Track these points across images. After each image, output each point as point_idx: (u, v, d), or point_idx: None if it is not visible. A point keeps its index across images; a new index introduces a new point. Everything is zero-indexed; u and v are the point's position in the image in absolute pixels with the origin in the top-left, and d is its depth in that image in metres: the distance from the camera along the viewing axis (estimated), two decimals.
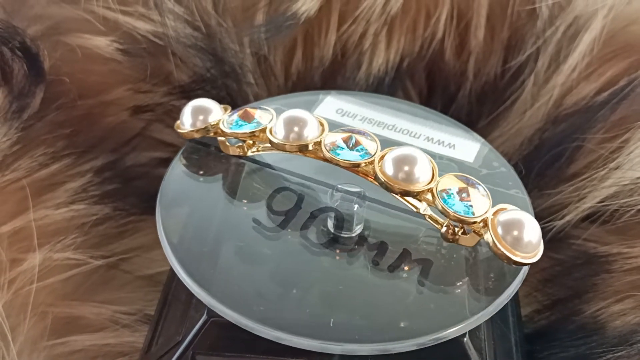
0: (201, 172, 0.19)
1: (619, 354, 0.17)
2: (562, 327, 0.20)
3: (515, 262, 0.15)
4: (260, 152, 0.19)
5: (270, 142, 0.18)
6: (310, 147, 0.17)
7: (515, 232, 0.15)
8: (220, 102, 0.24)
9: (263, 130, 0.18)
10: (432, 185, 0.16)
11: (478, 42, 0.23)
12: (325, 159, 0.17)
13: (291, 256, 0.16)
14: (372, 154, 0.17)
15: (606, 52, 0.22)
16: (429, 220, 0.17)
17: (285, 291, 0.16)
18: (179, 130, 0.19)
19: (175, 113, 0.24)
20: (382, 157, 0.17)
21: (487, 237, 0.16)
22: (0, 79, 0.20)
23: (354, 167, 0.17)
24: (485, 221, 0.16)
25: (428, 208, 0.17)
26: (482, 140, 0.20)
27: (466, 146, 0.20)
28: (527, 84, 0.23)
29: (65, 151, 0.21)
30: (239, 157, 0.19)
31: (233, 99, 0.24)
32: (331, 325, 0.15)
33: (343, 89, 0.24)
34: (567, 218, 0.20)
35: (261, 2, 0.23)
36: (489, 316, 0.15)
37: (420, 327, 0.15)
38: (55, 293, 0.20)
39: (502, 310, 0.18)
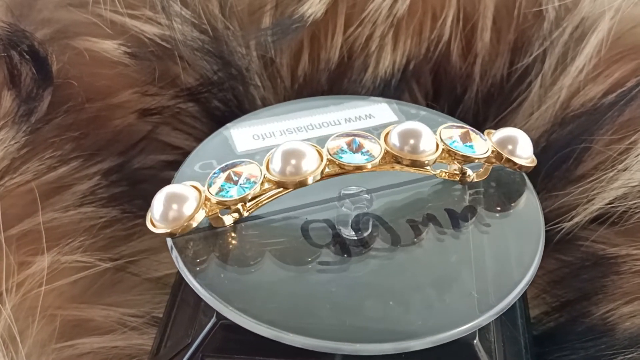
0: (204, 262, 0.16)
1: (630, 356, 0.17)
2: (571, 329, 0.20)
3: (521, 167, 0.18)
4: (263, 203, 0.17)
5: (275, 182, 0.16)
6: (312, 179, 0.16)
7: (510, 146, 0.18)
8: (227, 104, 0.24)
9: (262, 184, 0.16)
10: (438, 153, 0.17)
11: (484, 44, 0.23)
12: (332, 162, 0.17)
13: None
14: (376, 156, 0.17)
15: (613, 54, 0.21)
16: (444, 175, 0.18)
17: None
18: (154, 230, 0.16)
19: (183, 116, 0.24)
20: (387, 134, 0.17)
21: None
22: (9, 82, 0.20)
23: (358, 170, 0.17)
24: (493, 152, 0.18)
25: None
26: (384, 99, 0.21)
27: (380, 110, 0.21)
28: (534, 86, 0.23)
29: (73, 154, 0.21)
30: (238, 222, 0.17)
31: (239, 102, 0.24)
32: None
33: (350, 91, 0.24)
34: (576, 220, 0.20)
35: (268, 4, 0.23)
36: (499, 314, 0.15)
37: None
38: (63, 296, 0.20)
39: (511, 312, 0.18)
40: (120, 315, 0.21)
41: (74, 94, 0.21)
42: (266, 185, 0.16)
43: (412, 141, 0.17)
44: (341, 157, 0.17)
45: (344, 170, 0.17)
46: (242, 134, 0.20)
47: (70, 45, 0.21)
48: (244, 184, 0.16)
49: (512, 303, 0.16)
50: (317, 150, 0.17)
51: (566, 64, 0.22)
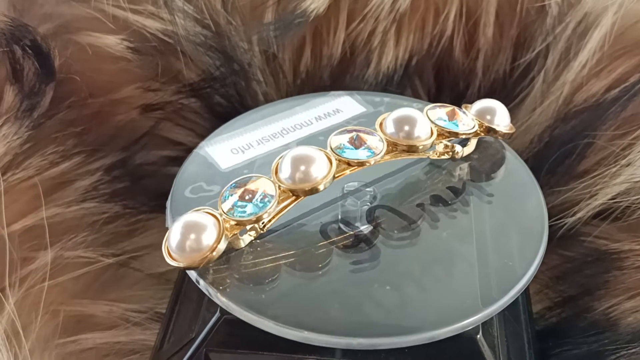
0: (227, 285, 0.16)
1: (632, 350, 0.17)
2: (574, 324, 0.20)
3: (502, 134, 0.19)
4: (279, 216, 0.16)
5: (290, 192, 0.16)
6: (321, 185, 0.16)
7: (489, 117, 0.19)
8: (229, 100, 0.24)
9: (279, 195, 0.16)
10: (433, 137, 0.18)
11: (487, 40, 0.23)
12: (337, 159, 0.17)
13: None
14: (378, 151, 0.17)
15: (616, 49, 0.21)
16: (436, 156, 0.18)
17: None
18: (173, 263, 0.15)
19: (185, 111, 0.24)
20: (382, 122, 0.18)
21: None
22: (11, 77, 0.20)
23: (362, 166, 0.17)
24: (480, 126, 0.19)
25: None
26: (344, 92, 0.21)
27: (345, 103, 0.21)
28: (536, 82, 0.23)
29: (75, 149, 0.21)
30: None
31: (242, 97, 0.24)
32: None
33: (352, 87, 0.24)
34: (578, 215, 0.20)
35: (270, 0, 0.23)
36: (502, 308, 0.15)
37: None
38: (66, 291, 0.21)
39: (514, 308, 0.18)
40: (123, 310, 0.21)
41: (76, 89, 0.21)
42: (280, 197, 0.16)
43: (406, 127, 0.17)
44: (344, 153, 0.17)
45: (349, 167, 0.17)
46: (219, 151, 0.19)
47: (73, 40, 0.21)
48: (259, 200, 0.16)
49: (515, 297, 0.16)
50: (325, 154, 0.16)
51: (569, 60, 0.22)
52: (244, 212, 0.15)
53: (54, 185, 0.21)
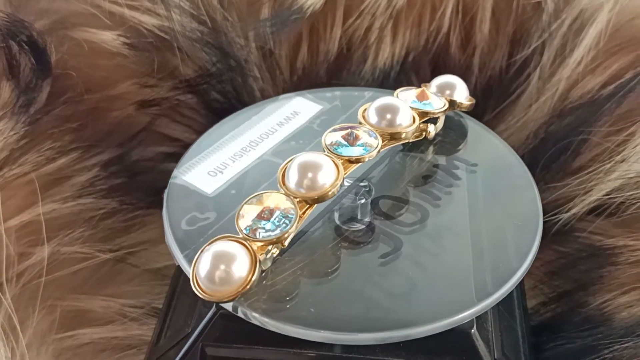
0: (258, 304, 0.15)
1: (626, 345, 0.18)
2: (568, 319, 0.20)
3: (464, 106, 0.20)
4: (299, 229, 0.16)
5: (307, 201, 0.15)
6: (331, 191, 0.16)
7: (448, 91, 0.20)
8: (225, 96, 0.24)
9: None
10: (416, 124, 0.18)
11: (483, 36, 0.23)
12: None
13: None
14: (374, 147, 0.17)
15: (612, 46, 0.22)
16: (413, 138, 0.18)
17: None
18: (205, 297, 0.15)
19: (182, 107, 0.24)
20: (364, 112, 0.18)
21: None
22: (8, 73, 0.20)
23: (358, 162, 0.17)
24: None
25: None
26: (294, 93, 0.21)
27: (300, 104, 0.21)
28: (532, 78, 0.23)
29: (72, 145, 0.21)
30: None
31: (238, 93, 0.24)
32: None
33: (349, 83, 0.24)
34: (573, 211, 0.20)
35: None
36: (497, 302, 0.16)
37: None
38: (63, 287, 0.21)
39: (509, 302, 0.18)
40: (120, 306, 0.21)
41: (73, 85, 0.21)
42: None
43: (389, 116, 0.18)
44: (340, 151, 0.17)
45: (350, 165, 0.17)
46: (197, 176, 0.18)
47: (69, 36, 0.21)
48: (280, 216, 0.15)
49: (510, 291, 0.16)
50: (332, 160, 0.16)
51: (565, 56, 0.22)
52: (268, 231, 0.15)
53: (51, 181, 0.21)
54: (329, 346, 0.15)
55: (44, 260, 0.20)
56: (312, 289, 0.16)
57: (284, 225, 0.15)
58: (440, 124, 0.20)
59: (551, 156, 0.21)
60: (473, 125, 0.20)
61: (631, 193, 0.19)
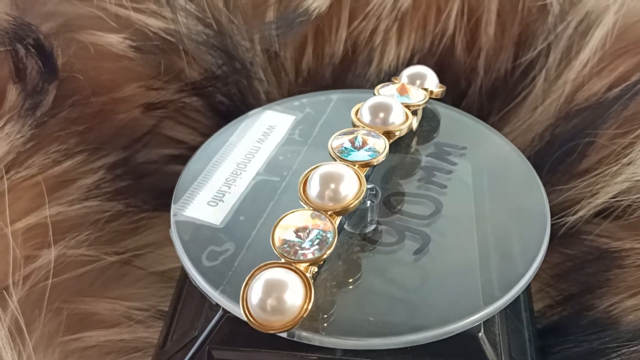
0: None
1: (634, 348, 0.17)
2: (575, 322, 0.20)
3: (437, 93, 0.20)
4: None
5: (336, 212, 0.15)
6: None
7: (419, 81, 0.20)
8: (231, 98, 0.24)
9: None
10: (409, 121, 0.18)
11: (489, 38, 0.23)
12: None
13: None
14: (381, 151, 0.17)
15: (618, 48, 0.21)
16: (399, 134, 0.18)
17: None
18: (258, 328, 0.14)
19: (187, 110, 0.24)
20: (357, 112, 0.18)
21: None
22: (14, 76, 0.20)
23: (366, 166, 0.17)
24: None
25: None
26: (262, 108, 0.21)
27: (272, 117, 0.20)
28: (538, 80, 0.23)
29: (78, 148, 0.21)
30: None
31: (244, 96, 0.24)
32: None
33: (354, 85, 0.24)
34: (580, 214, 0.20)
35: None
36: (504, 306, 0.15)
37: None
38: (69, 289, 0.21)
39: (515, 306, 0.18)
40: (126, 308, 0.21)
41: (79, 88, 0.21)
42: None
43: (382, 114, 0.18)
44: (349, 156, 0.17)
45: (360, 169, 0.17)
46: (198, 210, 0.18)
47: (75, 39, 0.21)
48: (317, 234, 0.15)
49: (517, 295, 0.16)
50: (354, 171, 0.16)
51: (570, 58, 0.22)
52: (306, 250, 0.15)
53: (57, 183, 0.21)
54: (335, 350, 0.15)
55: (51, 262, 0.20)
56: (341, 297, 0.15)
57: (321, 241, 0.15)
58: (419, 116, 0.20)
59: (557, 158, 0.21)
60: (512, 154, 0.19)
61: (638, 196, 0.19)
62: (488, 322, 0.16)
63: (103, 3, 0.21)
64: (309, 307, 0.14)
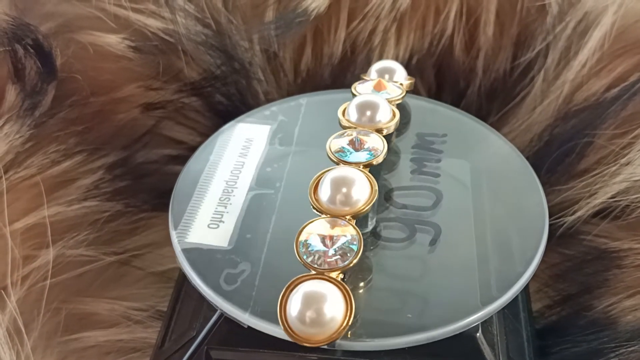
0: None
1: (632, 348, 0.17)
2: (573, 322, 0.20)
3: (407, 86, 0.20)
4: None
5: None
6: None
7: (387, 75, 0.20)
8: (230, 98, 0.24)
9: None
10: (396, 118, 0.18)
11: (487, 39, 0.23)
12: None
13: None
14: (379, 152, 0.17)
15: (616, 48, 0.21)
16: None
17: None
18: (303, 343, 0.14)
19: (186, 110, 0.24)
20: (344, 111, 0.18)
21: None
22: (13, 76, 0.20)
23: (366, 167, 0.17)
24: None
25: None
26: (233, 121, 0.20)
27: (248, 130, 0.20)
28: (536, 80, 0.23)
29: (77, 148, 0.21)
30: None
31: (243, 96, 0.24)
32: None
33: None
34: (578, 214, 0.20)
35: None
36: (502, 307, 0.15)
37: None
38: (68, 289, 0.21)
39: (514, 306, 0.18)
40: (125, 308, 0.21)
41: (78, 88, 0.21)
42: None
43: (369, 112, 0.18)
44: (347, 157, 0.17)
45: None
46: (200, 234, 0.17)
47: (74, 39, 0.21)
48: (341, 244, 0.15)
49: (515, 296, 0.16)
50: (366, 175, 0.16)
51: (569, 59, 0.22)
52: (332, 258, 0.15)
53: (56, 183, 0.21)
54: (334, 350, 0.15)
55: (49, 263, 0.20)
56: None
57: (346, 247, 0.15)
58: (398, 112, 0.20)
59: (556, 159, 0.21)
60: (511, 154, 0.19)
61: (636, 196, 0.19)
62: (486, 322, 0.16)
63: (102, 3, 0.21)
64: (352, 317, 0.14)
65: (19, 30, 0.20)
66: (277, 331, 0.15)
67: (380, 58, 0.24)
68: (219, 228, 0.17)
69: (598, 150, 0.21)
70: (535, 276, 0.17)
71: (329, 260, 0.14)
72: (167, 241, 0.18)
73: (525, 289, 0.20)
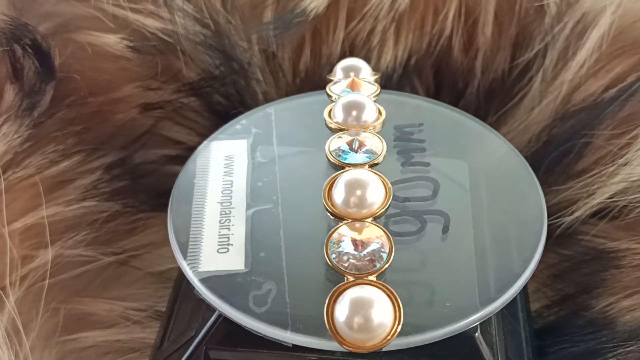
0: None
1: (630, 348, 0.18)
2: (572, 322, 0.20)
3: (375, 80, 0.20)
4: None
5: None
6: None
7: (352, 73, 0.20)
8: (228, 99, 0.24)
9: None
10: (382, 117, 0.18)
11: (486, 39, 0.23)
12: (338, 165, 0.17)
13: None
14: (378, 153, 0.17)
15: (614, 49, 0.22)
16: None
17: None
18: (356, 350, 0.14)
19: (185, 110, 0.24)
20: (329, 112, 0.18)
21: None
22: (12, 76, 0.20)
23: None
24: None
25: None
26: (206, 141, 0.20)
27: (225, 147, 0.19)
28: (535, 81, 0.23)
29: (75, 148, 0.21)
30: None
31: (241, 96, 0.24)
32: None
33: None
34: (576, 214, 0.20)
35: None
36: (501, 307, 0.16)
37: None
38: (66, 289, 0.21)
39: (512, 306, 0.18)
40: (123, 309, 0.21)
41: (76, 88, 0.21)
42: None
43: (354, 112, 0.18)
44: (346, 159, 0.17)
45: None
46: (213, 262, 0.16)
47: (73, 39, 0.21)
48: (372, 248, 0.15)
49: (514, 297, 0.16)
50: (380, 178, 0.16)
51: (567, 59, 0.22)
52: (360, 262, 0.14)
53: (54, 183, 0.21)
54: (334, 352, 0.15)
55: (48, 263, 0.20)
56: None
57: (377, 254, 0.15)
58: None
59: (554, 159, 0.21)
60: (510, 154, 0.19)
61: (634, 196, 0.19)
62: (484, 323, 0.16)
63: (100, 3, 0.21)
64: (402, 320, 0.14)
65: (18, 30, 0.20)
66: (323, 344, 0.14)
67: (379, 58, 0.24)
68: (229, 252, 0.17)
69: (596, 150, 0.21)
70: (533, 276, 0.17)
71: (357, 264, 0.14)
72: (166, 241, 0.18)
73: (524, 289, 0.20)
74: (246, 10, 0.23)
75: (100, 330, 0.21)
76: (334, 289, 0.14)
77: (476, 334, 0.16)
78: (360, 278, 0.14)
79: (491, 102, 0.24)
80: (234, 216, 0.17)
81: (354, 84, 0.19)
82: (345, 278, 0.14)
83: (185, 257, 0.17)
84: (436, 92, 0.25)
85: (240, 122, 0.20)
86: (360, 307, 0.14)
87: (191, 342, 0.16)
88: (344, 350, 0.14)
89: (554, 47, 0.22)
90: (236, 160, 0.19)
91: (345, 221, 0.15)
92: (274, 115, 0.20)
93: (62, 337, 0.20)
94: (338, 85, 0.19)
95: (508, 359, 0.17)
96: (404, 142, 0.19)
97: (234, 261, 0.16)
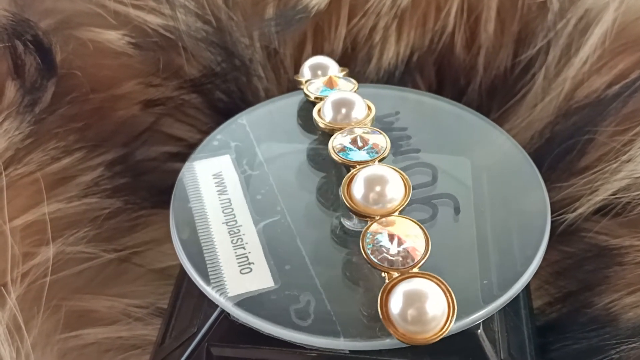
0: None
1: (632, 345, 0.17)
2: (574, 319, 0.20)
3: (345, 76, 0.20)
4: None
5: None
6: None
7: (320, 71, 0.20)
8: (230, 95, 0.24)
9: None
10: (372, 114, 0.18)
11: (488, 36, 0.23)
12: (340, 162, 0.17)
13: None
14: (382, 148, 0.17)
15: (618, 45, 0.21)
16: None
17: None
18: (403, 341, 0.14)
19: (186, 107, 0.24)
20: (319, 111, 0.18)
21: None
22: (13, 72, 0.20)
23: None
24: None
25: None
26: (189, 161, 0.19)
27: (211, 164, 0.19)
28: (537, 78, 0.23)
29: (76, 145, 0.21)
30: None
31: (243, 93, 0.24)
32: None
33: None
34: (579, 211, 0.20)
35: None
36: (503, 305, 0.15)
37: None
38: (68, 286, 0.21)
39: (515, 303, 0.18)
40: (125, 306, 0.21)
41: (78, 85, 0.21)
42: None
43: (344, 110, 0.18)
44: (349, 156, 0.17)
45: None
46: (240, 283, 0.16)
47: (74, 36, 0.21)
48: (400, 247, 0.15)
49: (516, 294, 0.16)
50: (400, 175, 0.16)
51: (570, 56, 0.22)
52: (395, 257, 0.15)
53: (56, 180, 0.21)
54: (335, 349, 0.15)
55: (49, 260, 0.20)
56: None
57: (415, 244, 0.15)
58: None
59: (557, 156, 0.21)
60: (513, 151, 0.19)
61: (637, 193, 0.19)
62: (487, 320, 0.16)
63: (102, 0, 0.21)
64: (455, 313, 0.14)
65: (19, 27, 0.20)
66: (380, 344, 0.14)
67: (381, 55, 0.24)
68: (252, 271, 0.16)
69: (599, 147, 0.21)
70: (536, 273, 0.17)
71: (390, 258, 0.14)
72: (167, 238, 0.17)
73: (526, 287, 0.19)
74: (248, 7, 0.23)
75: (102, 327, 0.21)
76: (385, 284, 0.14)
77: (479, 331, 0.16)
78: (405, 272, 0.14)
79: (493, 99, 0.24)
80: (244, 234, 0.17)
81: (331, 82, 0.19)
82: (386, 274, 0.14)
83: (209, 284, 0.16)
84: (438, 89, 0.25)
85: (216, 138, 0.19)
86: (415, 299, 0.14)
87: (193, 339, 0.16)
88: (404, 345, 0.14)
89: (557, 44, 0.22)
90: (225, 176, 0.18)
91: (376, 218, 0.15)
92: (248, 125, 0.20)
93: (64, 334, 0.20)
94: (314, 84, 0.19)
95: (510, 355, 0.16)
96: (388, 132, 0.18)
97: (262, 279, 0.16)
